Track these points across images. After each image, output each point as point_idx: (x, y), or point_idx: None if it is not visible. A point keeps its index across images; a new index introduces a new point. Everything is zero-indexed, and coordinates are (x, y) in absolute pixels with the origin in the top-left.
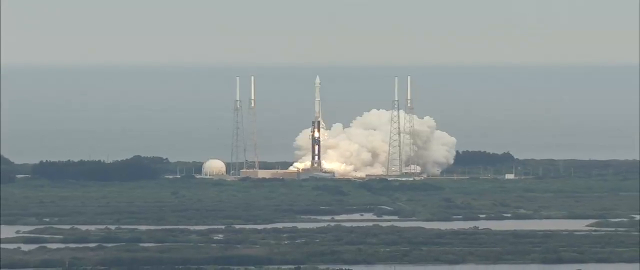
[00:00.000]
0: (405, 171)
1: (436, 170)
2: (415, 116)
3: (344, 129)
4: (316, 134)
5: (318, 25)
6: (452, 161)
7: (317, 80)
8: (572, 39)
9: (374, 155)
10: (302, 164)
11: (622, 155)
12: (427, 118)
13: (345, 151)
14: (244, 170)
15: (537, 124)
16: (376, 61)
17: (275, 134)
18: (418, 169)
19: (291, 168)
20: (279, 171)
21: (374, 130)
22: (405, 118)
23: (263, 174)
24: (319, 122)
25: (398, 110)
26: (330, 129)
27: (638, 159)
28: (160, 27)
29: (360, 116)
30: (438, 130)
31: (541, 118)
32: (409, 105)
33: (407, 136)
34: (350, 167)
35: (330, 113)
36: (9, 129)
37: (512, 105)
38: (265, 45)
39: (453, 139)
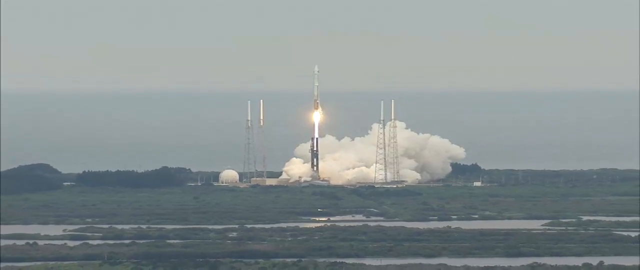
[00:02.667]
0: (394, 179)
1: (426, 177)
2: (414, 133)
3: (351, 140)
4: (314, 148)
5: (319, 54)
6: (441, 173)
7: (316, 68)
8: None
9: (368, 165)
10: (297, 166)
11: (571, 166)
12: (422, 134)
13: (345, 160)
14: (254, 178)
15: (500, 140)
16: (374, 87)
17: (280, 148)
18: (418, 176)
19: (286, 167)
20: (284, 179)
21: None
22: (390, 134)
23: (270, 181)
24: (317, 102)
25: (384, 128)
26: (340, 141)
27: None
28: (183, 58)
29: (368, 133)
30: (452, 144)
31: (504, 136)
32: (391, 124)
33: (390, 150)
34: (347, 172)
35: (339, 128)
36: (56, 144)
37: (484, 126)
38: (272, 73)
39: (460, 150)
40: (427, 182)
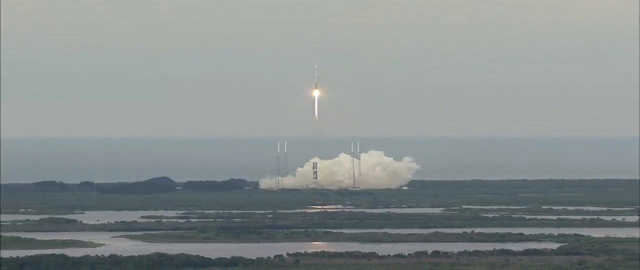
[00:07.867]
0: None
1: (397, 182)
2: (386, 157)
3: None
4: (316, 168)
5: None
6: (405, 183)
7: (316, 66)
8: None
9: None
10: (304, 171)
11: (457, 178)
12: (390, 158)
13: (336, 171)
14: (282, 185)
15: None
16: (363, 133)
17: (296, 168)
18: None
19: (299, 169)
20: (298, 186)
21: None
22: (358, 160)
23: (289, 186)
24: (316, 84)
25: (353, 157)
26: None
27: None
28: (240, 115)
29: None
30: (415, 164)
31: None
32: (359, 154)
33: (358, 170)
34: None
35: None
36: (174, 164)
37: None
38: (291, 127)
39: (418, 167)
40: (396, 187)
